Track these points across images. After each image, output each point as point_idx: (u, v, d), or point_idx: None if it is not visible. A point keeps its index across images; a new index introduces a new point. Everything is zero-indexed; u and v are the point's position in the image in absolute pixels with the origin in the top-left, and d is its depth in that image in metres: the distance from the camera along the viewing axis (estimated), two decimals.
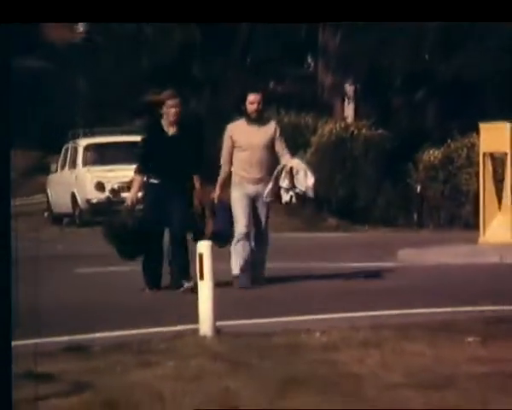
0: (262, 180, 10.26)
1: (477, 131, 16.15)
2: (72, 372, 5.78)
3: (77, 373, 5.74)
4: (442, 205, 20.60)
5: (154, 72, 25.49)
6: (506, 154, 14.65)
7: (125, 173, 18.61)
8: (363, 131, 21.27)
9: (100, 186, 21.77)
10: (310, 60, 26.95)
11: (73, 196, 22.43)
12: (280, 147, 10.43)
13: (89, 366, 5.97)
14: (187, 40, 25.92)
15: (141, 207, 10.72)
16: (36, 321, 7.60)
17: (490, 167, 15.19)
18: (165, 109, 10.21)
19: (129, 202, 10.56)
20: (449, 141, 20.43)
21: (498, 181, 15.10)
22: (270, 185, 10.17)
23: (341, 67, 24.82)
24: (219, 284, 8.20)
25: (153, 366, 5.90)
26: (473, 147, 18.46)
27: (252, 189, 10.26)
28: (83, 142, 22.53)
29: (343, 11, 3.65)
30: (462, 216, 19.32)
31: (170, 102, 10.15)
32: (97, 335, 7.46)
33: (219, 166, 10.44)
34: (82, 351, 6.65)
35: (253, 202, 10.26)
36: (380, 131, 21.36)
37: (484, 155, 15.16)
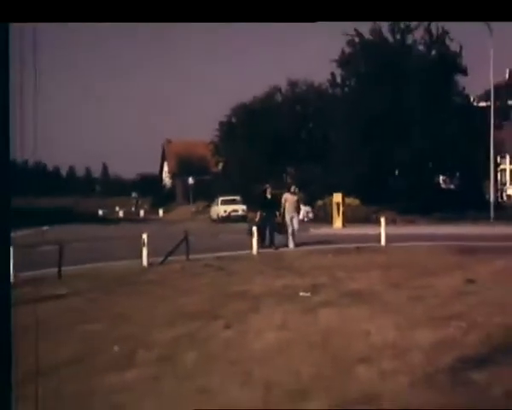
0: (293, 212, 18.40)
1: (332, 196, 30.56)
2: (213, 264, 12.84)
3: (216, 263, 13.23)
4: (322, 217, 34.48)
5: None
6: (339, 202, 29.55)
7: (231, 207, 43.24)
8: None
9: (224, 211, 42.57)
10: (284, 177, 44.90)
11: (217, 213, 43.47)
12: (299, 203, 19.17)
13: (215, 263, 13.17)
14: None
15: (258, 221, 17.52)
16: (195, 250, 15.75)
17: (335, 206, 29.73)
18: (266, 189, 18.11)
19: (257, 220, 17.66)
20: (325, 198, 35.10)
21: (338, 210, 29.09)
22: (300, 216, 19.68)
23: (295, 181, 37.49)
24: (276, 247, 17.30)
25: (237, 264, 13.14)
26: (331, 201, 30.76)
27: (290, 214, 18.05)
28: (219, 199, 44.11)
29: (342, 10, 2.96)
30: (328, 220, 31.04)
31: (267, 188, 18.37)
32: (218, 254, 15.06)
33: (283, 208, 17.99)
34: (214, 258, 14.17)
35: (291, 219, 18.14)
36: (302, 194, 31.52)
37: (334, 203, 29.84)
